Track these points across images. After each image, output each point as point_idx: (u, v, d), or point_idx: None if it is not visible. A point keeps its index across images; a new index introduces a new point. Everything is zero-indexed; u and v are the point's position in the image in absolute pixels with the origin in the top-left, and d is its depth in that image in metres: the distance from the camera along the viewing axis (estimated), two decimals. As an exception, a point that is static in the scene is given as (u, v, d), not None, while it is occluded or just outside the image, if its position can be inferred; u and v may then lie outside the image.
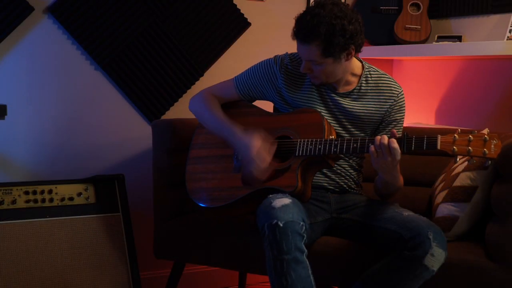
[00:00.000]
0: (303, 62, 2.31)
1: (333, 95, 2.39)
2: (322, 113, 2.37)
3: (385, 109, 2.40)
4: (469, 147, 2.02)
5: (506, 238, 2.20)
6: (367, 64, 2.43)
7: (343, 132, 2.40)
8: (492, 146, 2.01)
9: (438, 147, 2.05)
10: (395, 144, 2.09)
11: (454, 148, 2.03)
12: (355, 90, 2.39)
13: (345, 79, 2.38)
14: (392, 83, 2.43)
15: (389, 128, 2.41)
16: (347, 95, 2.39)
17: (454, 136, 2.04)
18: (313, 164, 2.31)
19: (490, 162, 2.05)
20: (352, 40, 2.25)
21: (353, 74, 2.40)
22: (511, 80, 2.97)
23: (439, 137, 2.06)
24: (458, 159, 2.07)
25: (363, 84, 2.40)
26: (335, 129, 2.38)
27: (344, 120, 2.39)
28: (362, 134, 2.42)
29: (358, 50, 2.31)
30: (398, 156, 2.11)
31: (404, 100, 2.44)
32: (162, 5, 3.05)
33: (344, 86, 2.39)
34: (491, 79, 3.07)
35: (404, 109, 2.44)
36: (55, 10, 2.86)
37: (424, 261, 2.06)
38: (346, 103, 2.39)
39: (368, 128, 2.42)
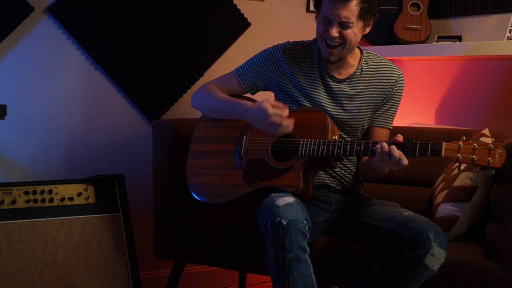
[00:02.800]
0: (332, 26, 2.29)
1: (336, 81, 2.41)
2: (323, 100, 2.39)
3: (386, 90, 2.42)
4: (474, 156, 2.01)
5: (506, 238, 2.20)
6: (365, 50, 2.47)
7: (345, 115, 2.40)
8: (497, 155, 2.00)
9: (443, 154, 2.04)
10: (405, 161, 2.08)
11: (458, 156, 2.03)
12: (357, 73, 2.42)
13: (348, 62, 2.40)
14: (392, 65, 2.47)
15: (384, 109, 2.44)
16: (349, 79, 2.41)
17: (459, 144, 2.03)
18: (316, 164, 2.30)
19: (493, 171, 2.04)
20: (376, 12, 2.35)
21: (354, 59, 2.43)
22: (511, 80, 2.97)
23: (444, 144, 2.05)
24: (462, 167, 2.06)
25: (364, 67, 2.43)
26: (337, 115, 2.39)
27: (346, 103, 2.40)
28: (366, 119, 2.43)
29: (371, 30, 2.40)
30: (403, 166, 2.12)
31: (403, 83, 2.47)
32: (162, 5, 3.05)
33: (346, 69, 2.42)
34: (491, 79, 3.07)
35: (401, 93, 2.46)
36: (55, 10, 2.86)
37: (424, 261, 2.06)
38: (349, 88, 2.41)
39: (371, 111, 2.43)
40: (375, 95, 2.42)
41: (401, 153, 2.08)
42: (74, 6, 2.88)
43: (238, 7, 3.22)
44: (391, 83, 2.43)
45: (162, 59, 3.08)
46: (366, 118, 2.44)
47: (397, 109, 2.48)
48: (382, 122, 2.45)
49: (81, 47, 2.94)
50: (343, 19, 2.28)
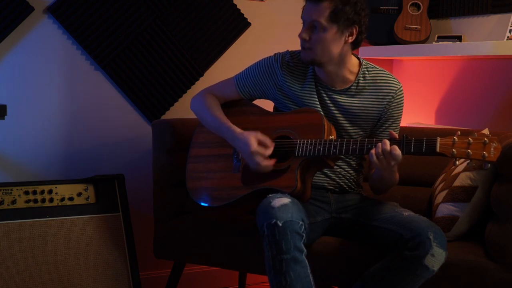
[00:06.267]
0: (304, 27, 2.28)
1: (330, 93, 2.39)
2: (321, 112, 2.37)
3: (383, 105, 2.38)
4: (469, 150, 2.01)
5: (506, 238, 2.20)
6: (364, 61, 2.42)
7: (340, 130, 2.39)
8: (492, 149, 2.00)
9: (438, 149, 2.04)
10: (397, 151, 2.07)
11: (453, 151, 2.02)
12: (353, 87, 2.38)
13: (342, 76, 2.37)
14: (391, 79, 2.41)
15: (387, 125, 2.40)
16: (344, 91, 2.39)
17: (454, 139, 2.03)
18: (313, 165, 2.30)
19: (489, 165, 2.04)
20: (359, 20, 2.27)
21: (351, 72, 2.38)
22: (511, 80, 2.97)
23: (438, 139, 2.04)
24: (457, 162, 2.06)
25: (361, 80, 2.39)
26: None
27: (341, 117, 2.39)
28: (361, 132, 2.42)
29: (358, 40, 2.31)
30: (400, 160, 2.10)
31: (403, 97, 2.41)
32: (162, 5, 3.05)
33: (341, 83, 2.39)
34: (491, 79, 3.07)
35: (402, 107, 2.42)
36: (55, 10, 2.86)
37: (424, 261, 2.06)
38: (344, 100, 2.38)
39: (366, 125, 2.41)
40: (370, 112, 2.38)
41: (394, 146, 2.08)
42: (74, 6, 2.88)
43: (238, 7, 3.22)
44: (387, 100, 2.38)
45: (162, 59, 3.08)
46: (361, 132, 2.42)
47: (399, 124, 2.44)
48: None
49: (81, 47, 2.94)
50: (313, 18, 2.25)
